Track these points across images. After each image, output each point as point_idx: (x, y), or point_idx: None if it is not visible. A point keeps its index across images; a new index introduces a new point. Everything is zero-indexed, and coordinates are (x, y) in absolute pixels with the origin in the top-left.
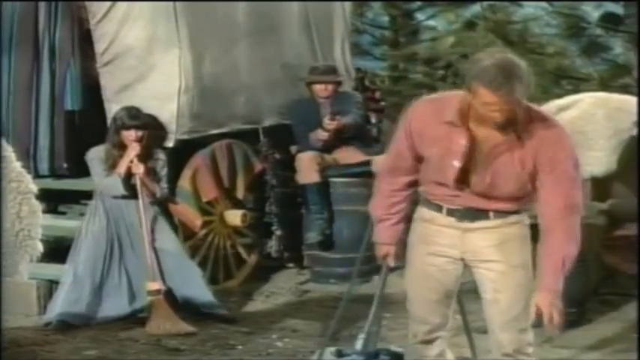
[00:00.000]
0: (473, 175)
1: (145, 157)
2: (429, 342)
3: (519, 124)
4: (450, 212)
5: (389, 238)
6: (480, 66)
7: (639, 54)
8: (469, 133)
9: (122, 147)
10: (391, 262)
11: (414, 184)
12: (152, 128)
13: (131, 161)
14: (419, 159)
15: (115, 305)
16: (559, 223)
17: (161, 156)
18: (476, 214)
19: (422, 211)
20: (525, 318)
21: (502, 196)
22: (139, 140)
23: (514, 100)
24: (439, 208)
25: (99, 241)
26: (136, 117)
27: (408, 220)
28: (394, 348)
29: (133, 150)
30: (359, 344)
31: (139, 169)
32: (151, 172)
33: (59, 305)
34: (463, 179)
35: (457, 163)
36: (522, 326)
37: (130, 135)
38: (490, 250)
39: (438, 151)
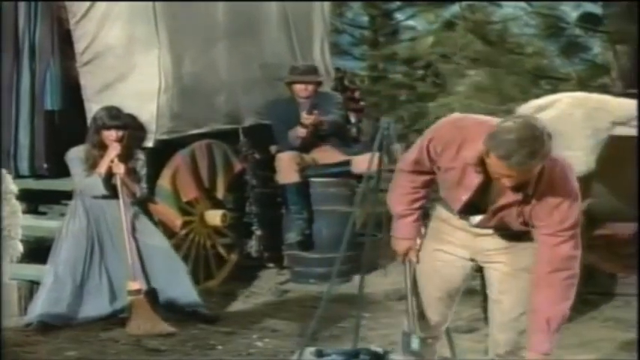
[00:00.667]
0: (480, 207)
1: (125, 157)
2: (431, 338)
3: (533, 185)
4: (463, 217)
5: (411, 233)
6: (498, 138)
7: (639, 54)
8: (484, 174)
9: (102, 147)
10: (414, 257)
11: (431, 183)
12: (132, 128)
13: (112, 161)
14: (435, 170)
15: (96, 305)
16: (544, 279)
17: (140, 156)
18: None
19: (439, 210)
20: (524, 320)
21: (505, 229)
22: (120, 140)
23: (529, 173)
24: (452, 210)
25: (79, 241)
26: (116, 117)
27: (425, 216)
28: (374, 348)
29: (114, 150)
30: (415, 344)
31: (120, 168)
32: (132, 172)
33: (40, 306)
34: (469, 212)
35: (464, 198)
36: (521, 328)
37: (111, 135)
38: (498, 252)
39: (451, 180)
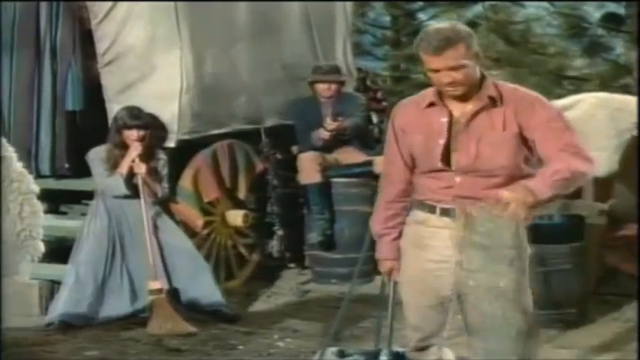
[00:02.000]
0: (459, 149)
1: (146, 156)
2: (422, 349)
3: (486, 91)
4: (444, 212)
5: (391, 253)
6: (419, 37)
7: (639, 54)
8: (447, 110)
9: (124, 147)
10: (396, 277)
11: (405, 193)
12: (153, 128)
13: (133, 161)
14: (408, 162)
15: (117, 305)
16: (560, 152)
17: (162, 156)
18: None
19: (414, 214)
20: (524, 319)
21: (493, 173)
22: (141, 140)
23: (453, 59)
24: (432, 209)
25: (100, 241)
26: (137, 117)
27: None
28: (396, 348)
29: (135, 150)
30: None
31: (141, 168)
32: (153, 172)
33: (61, 306)
34: (449, 157)
35: (441, 141)
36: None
37: (132, 135)
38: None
39: (422, 136)
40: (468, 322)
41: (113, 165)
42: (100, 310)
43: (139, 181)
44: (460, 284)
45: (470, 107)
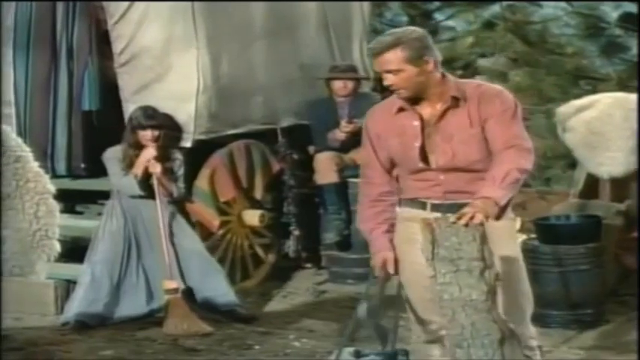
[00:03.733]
0: (435, 150)
1: (161, 156)
2: (433, 342)
3: (449, 92)
4: (435, 208)
5: (383, 245)
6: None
7: (639, 53)
8: (417, 113)
9: (139, 147)
10: (391, 269)
11: (387, 193)
12: (168, 128)
13: (148, 161)
14: (386, 165)
15: (133, 305)
16: (506, 150)
17: (178, 156)
18: (461, 207)
19: (403, 211)
20: (521, 313)
21: (472, 167)
22: (156, 140)
23: (388, 63)
24: (423, 205)
25: (116, 241)
26: (152, 117)
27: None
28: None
29: (150, 150)
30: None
31: (156, 168)
32: (168, 172)
33: (76, 305)
34: (427, 158)
35: (417, 143)
36: (520, 319)
37: (147, 135)
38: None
39: (398, 140)
40: (449, 335)
41: (129, 165)
42: (116, 310)
43: (155, 181)
44: (438, 299)
45: (437, 108)
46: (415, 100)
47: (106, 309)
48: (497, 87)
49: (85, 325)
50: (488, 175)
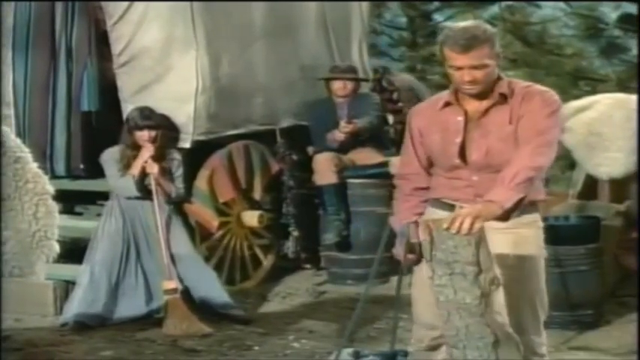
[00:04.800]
0: (471, 146)
1: (159, 157)
2: (435, 348)
3: (498, 89)
4: None
5: (412, 233)
6: (445, 33)
7: (639, 53)
8: (462, 108)
9: (136, 147)
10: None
11: (422, 191)
12: (165, 128)
13: (145, 162)
14: (423, 164)
15: (132, 306)
16: (524, 147)
17: (176, 156)
18: None
19: (430, 212)
20: (537, 320)
21: (504, 167)
22: (153, 141)
23: (477, 58)
24: (451, 208)
25: (115, 241)
26: (148, 117)
27: None
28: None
29: (147, 151)
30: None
31: (153, 169)
32: (166, 172)
33: (75, 306)
34: (465, 154)
35: (458, 139)
36: (534, 328)
37: (144, 135)
38: (504, 254)
39: (439, 136)
40: (445, 335)
41: (126, 166)
42: (115, 311)
43: (152, 182)
44: (435, 300)
45: (483, 104)
46: (461, 95)
47: (104, 309)
48: (545, 88)
49: (84, 325)
50: (500, 174)
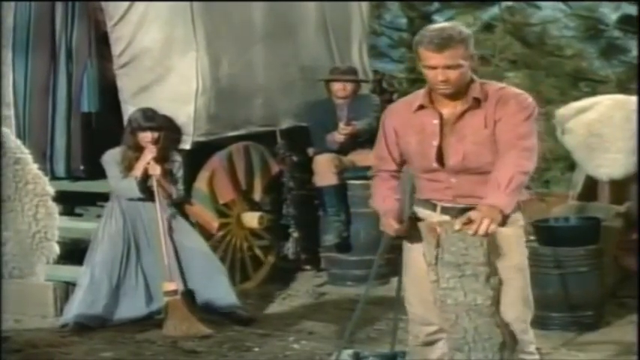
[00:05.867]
0: (448, 151)
1: (161, 158)
2: (431, 343)
3: (472, 92)
4: (445, 210)
5: (393, 206)
6: (421, 33)
7: (639, 53)
8: (437, 111)
9: (138, 149)
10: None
11: (397, 186)
12: (168, 129)
13: (148, 163)
14: (399, 161)
15: (132, 307)
16: (508, 152)
17: (177, 158)
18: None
19: (416, 211)
20: (523, 319)
21: (482, 170)
22: (156, 142)
23: (452, 57)
24: (434, 207)
25: (116, 242)
26: (151, 118)
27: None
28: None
29: (150, 152)
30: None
31: (156, 170)
32: (168, 174)
33: (76, 307)
34: (442, 157)
35: (435, 142)
36: (522, 327)
37: (146, 137)
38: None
39: (416, 138)
40: (449, 338)
41: (128, 167)
42: (115, 312)
43: (154, 183)
44: (439, 303)
45: (458, 108)
46: (435, 98)
47: (105, 310)
48: (519, 90)
49: (84, 326)
50: (492, 177)
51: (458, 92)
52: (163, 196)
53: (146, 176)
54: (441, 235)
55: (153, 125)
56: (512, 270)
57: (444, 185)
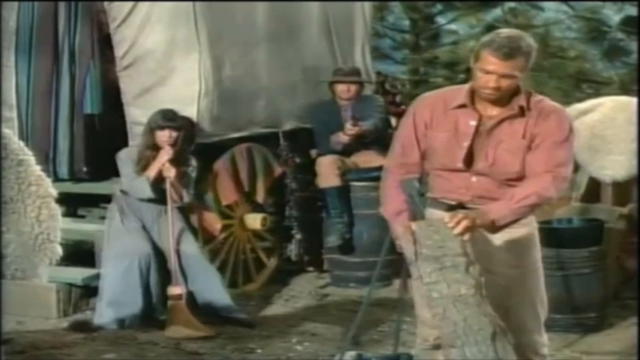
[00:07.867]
0: (478, 154)
1: (177, 160)
2: (440, 347)
3: (518, 100)
4: (455, 210)
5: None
6: (491, 36)
7: (639, 53)
8: (478, 113)
9: (155, 148)
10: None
11: (416, 181)
12: (187, 131)
13: (163, 164)
14: (422, 154)
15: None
16: (543, 174)
17: (193, 162)
18: None
19: (429, 212)
20: (538, 319)
21: (508, 177)
22: (173, 143)
23: (511, 68)
24: (449, 208)
25: (141, 236)
26: (172, 118)
27: None
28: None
29: (166, 153)
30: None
31: (171, 172)
32: (182, 176)
33: (109, 310)
34: (470, 160)
35: (466, 143)
36: (536, 328)
37: (164, 135)
38: (502, 254)
39: (446, 136)
40: (441, 334)
41: (143, 167)
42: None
43: (167, 185)
44: (427, 299)
45: (497, 113)
46: (477, 99)
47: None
48: (557, 105)
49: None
50: (510, 191)
51: (501, 97)
52: (174, 199)
53: (160, 178)
54: (415, 230)
55: (172, 125)
56: (526, 270)
57: (462, 184)
